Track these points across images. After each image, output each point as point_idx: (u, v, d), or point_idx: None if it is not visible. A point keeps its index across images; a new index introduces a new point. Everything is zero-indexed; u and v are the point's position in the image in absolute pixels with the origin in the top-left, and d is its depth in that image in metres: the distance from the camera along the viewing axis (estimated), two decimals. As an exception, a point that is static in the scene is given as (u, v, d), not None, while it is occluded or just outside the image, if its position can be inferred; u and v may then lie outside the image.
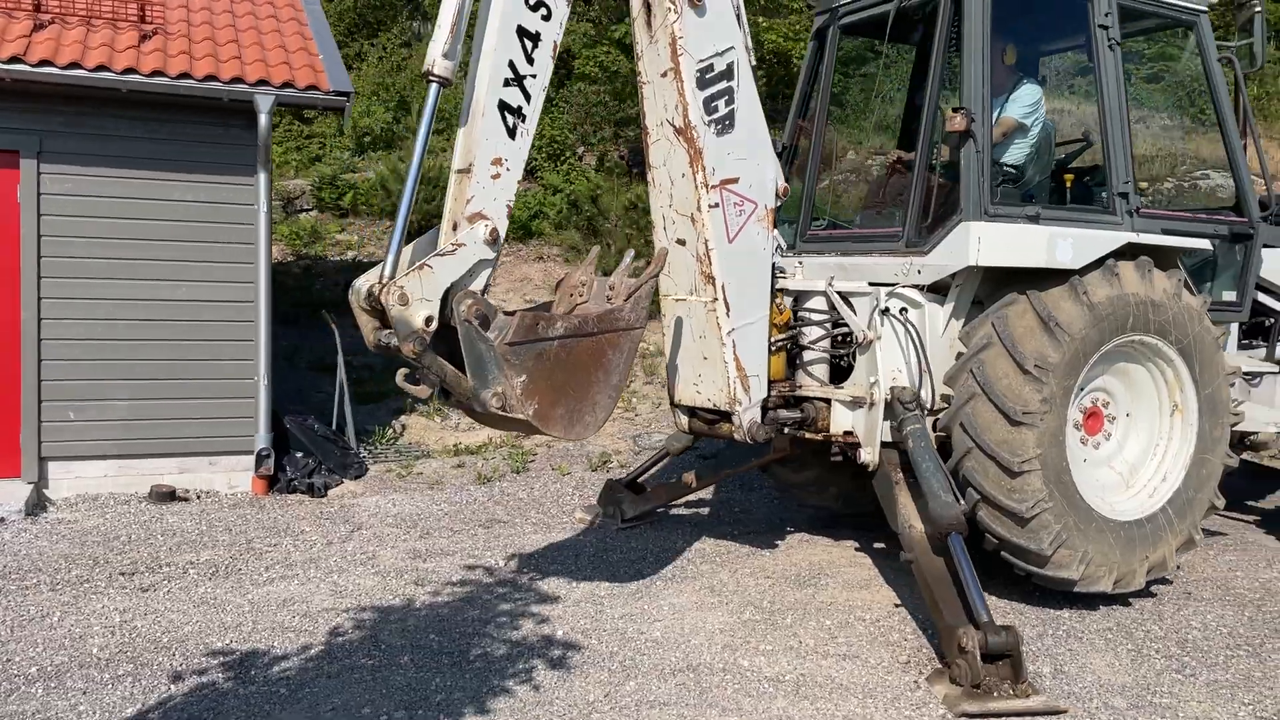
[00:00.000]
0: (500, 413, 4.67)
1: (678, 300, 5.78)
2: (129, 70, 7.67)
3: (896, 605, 5.80)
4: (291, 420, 8.98)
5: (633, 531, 7.28)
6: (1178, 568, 6.17)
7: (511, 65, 4.71)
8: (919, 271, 5.77)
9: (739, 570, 6.42)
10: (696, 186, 5.15)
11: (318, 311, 12.48)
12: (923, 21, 6.30)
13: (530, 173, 21.44)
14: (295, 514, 7.79)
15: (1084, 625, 5.53)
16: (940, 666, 4.84)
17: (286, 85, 8.06)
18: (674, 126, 5.21)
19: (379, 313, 4.54)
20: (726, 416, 5.63)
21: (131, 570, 6.28)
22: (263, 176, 8.34)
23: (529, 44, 4.72)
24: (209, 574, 6.25)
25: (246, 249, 8.40)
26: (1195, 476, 5.82)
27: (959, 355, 5.67)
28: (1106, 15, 5.91)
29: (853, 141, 7.65)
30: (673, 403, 5.99)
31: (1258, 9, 6.41)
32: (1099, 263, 5.51)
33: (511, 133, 4.75)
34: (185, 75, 7.79)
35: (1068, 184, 6.32)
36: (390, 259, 4.48)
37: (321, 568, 6.40)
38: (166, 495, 8.06)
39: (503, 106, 4.69)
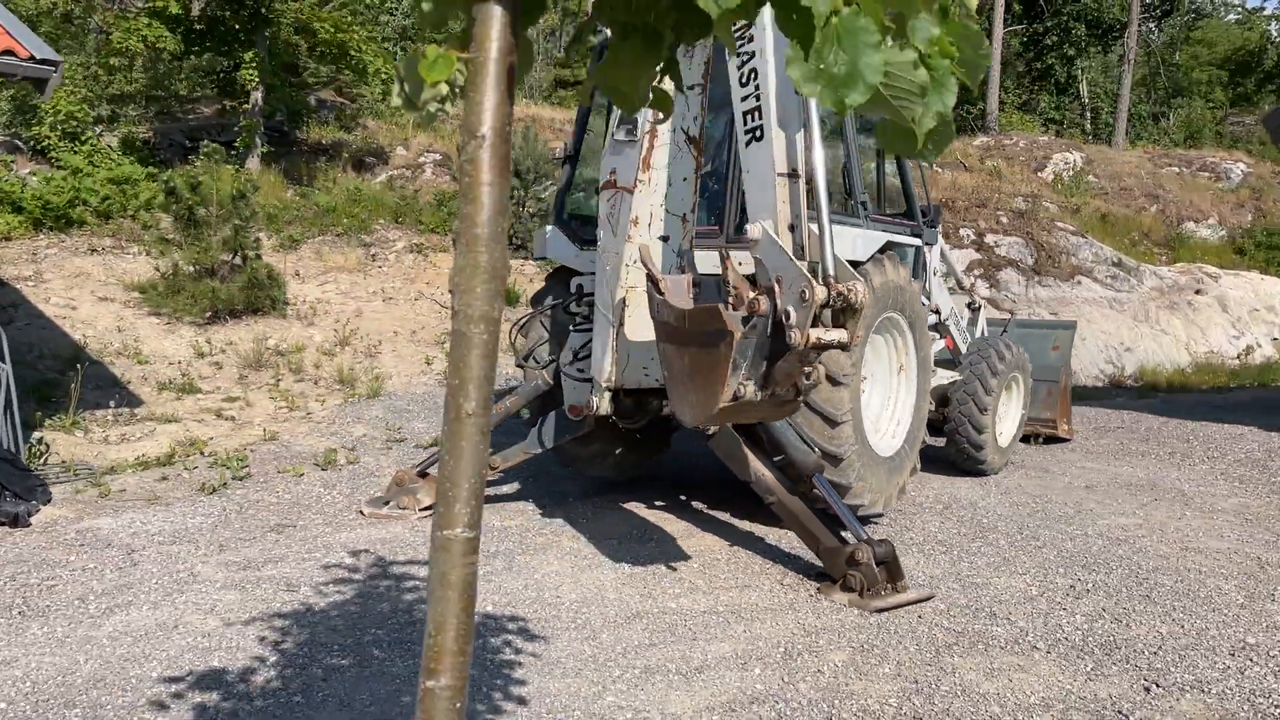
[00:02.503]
0: (781, 401, 5.26)
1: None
2: None
3: (731, 545, 6.83)
4: (-34, 442, 7.60)
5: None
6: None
7: None
8: (740, 264, 6.82)
9: (578, 537, 6.99)
10: (694, 191, 5.69)
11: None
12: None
13: (40, 153, 18.94)
14: (30, 545, 6.72)
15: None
16: (822, 582, 5.97)
17: (-24, 48, 6.88)
18: (688, 135, 5.73)
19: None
20: (663, 394, 6.22)
21: (-97, 627, 5.21)
22: (-69, 151, 6.99)
23: None
24: (15, 616, 5.40)
25: (-91, 238, 6.99)
26: (916, 419, 7.61)
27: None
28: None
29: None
30: (602, 387, 6.43)
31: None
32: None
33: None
34: None
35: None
36: (830, 259, 4.88)
37: (149, 592, 5.81)
38: None
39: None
